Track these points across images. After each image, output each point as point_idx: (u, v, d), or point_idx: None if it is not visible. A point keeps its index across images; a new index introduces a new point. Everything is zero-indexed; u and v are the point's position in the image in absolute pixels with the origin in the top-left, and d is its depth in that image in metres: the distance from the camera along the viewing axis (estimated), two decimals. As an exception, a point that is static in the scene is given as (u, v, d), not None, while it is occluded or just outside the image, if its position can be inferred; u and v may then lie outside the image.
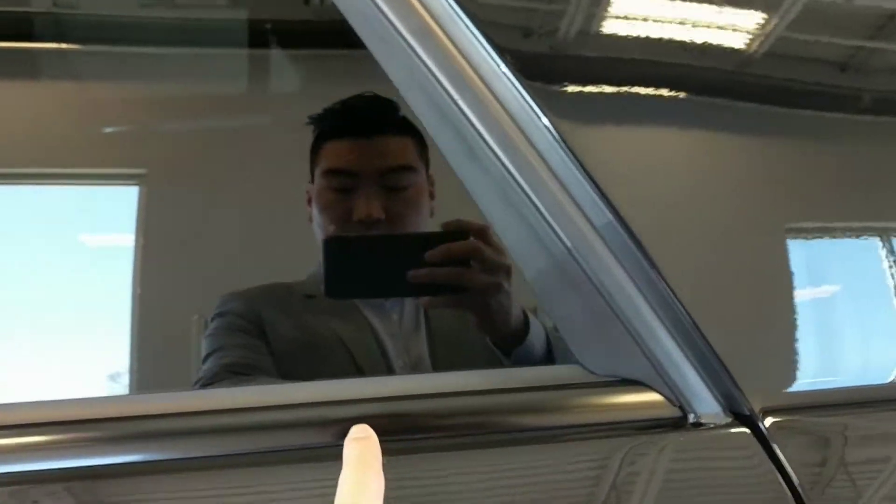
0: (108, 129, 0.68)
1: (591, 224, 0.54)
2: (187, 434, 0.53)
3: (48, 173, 0.70)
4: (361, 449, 0.41)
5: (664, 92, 0.59)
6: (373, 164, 0.71)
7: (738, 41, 0.64)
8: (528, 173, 0.54)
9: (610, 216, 0.53)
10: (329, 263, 0.62)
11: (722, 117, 0.61)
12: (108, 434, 0.53)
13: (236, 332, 0.69)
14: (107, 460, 0.52)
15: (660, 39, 0.61)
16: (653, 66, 0.60)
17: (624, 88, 0.58)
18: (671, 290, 0.53)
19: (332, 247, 0.64)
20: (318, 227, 0.72)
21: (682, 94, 0.60)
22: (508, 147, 0.54)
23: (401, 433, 0.52)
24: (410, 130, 0.71)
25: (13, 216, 0.59)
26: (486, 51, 0.55)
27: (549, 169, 0.54)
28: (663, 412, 0.54)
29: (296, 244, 0.74)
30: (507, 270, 0.62)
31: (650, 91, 0.59)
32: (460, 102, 0.54)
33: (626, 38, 0.61)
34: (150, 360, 0.69)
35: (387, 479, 0.41)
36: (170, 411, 0.54)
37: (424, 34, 0.54)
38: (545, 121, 0.54)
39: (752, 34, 0.65)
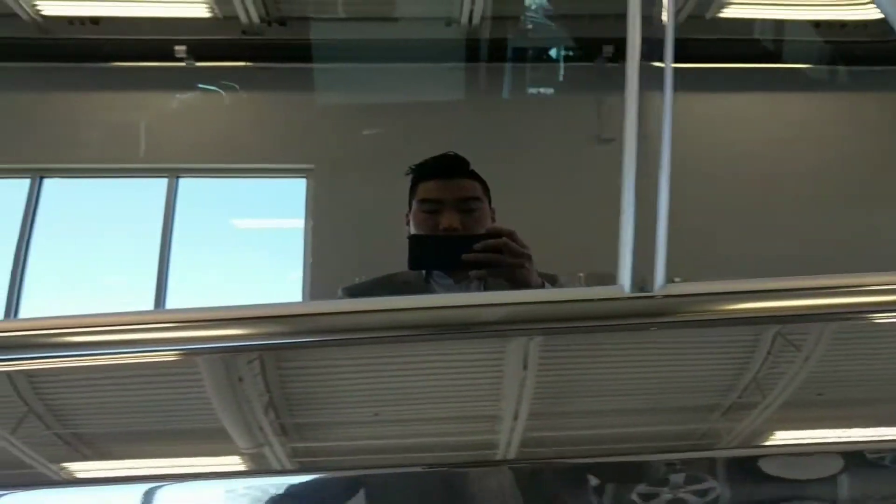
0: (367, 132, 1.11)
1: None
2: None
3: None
4: None
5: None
6: (454, 195, 1.11)
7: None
8: None
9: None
10: (412, 250, 1.03)
11: None
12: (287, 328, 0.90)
13: None
14: (286, 341, 0.88)
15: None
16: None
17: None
18: None
19: (414, 240, 1.06)
20: (414, 235, 1.12)
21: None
22: None
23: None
24: (478, 177, 1.13)
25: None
26: None
27: None
28: None
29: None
30: (528, 258, 0.99)
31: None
32: None
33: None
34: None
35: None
36: (322, 311, 0.91)
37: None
38: None
39: None
